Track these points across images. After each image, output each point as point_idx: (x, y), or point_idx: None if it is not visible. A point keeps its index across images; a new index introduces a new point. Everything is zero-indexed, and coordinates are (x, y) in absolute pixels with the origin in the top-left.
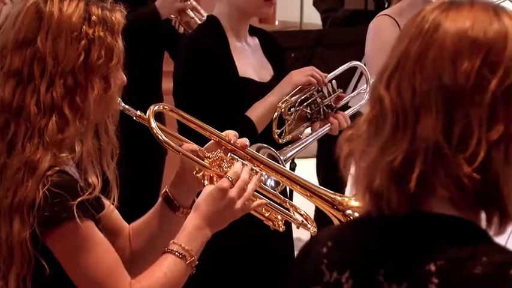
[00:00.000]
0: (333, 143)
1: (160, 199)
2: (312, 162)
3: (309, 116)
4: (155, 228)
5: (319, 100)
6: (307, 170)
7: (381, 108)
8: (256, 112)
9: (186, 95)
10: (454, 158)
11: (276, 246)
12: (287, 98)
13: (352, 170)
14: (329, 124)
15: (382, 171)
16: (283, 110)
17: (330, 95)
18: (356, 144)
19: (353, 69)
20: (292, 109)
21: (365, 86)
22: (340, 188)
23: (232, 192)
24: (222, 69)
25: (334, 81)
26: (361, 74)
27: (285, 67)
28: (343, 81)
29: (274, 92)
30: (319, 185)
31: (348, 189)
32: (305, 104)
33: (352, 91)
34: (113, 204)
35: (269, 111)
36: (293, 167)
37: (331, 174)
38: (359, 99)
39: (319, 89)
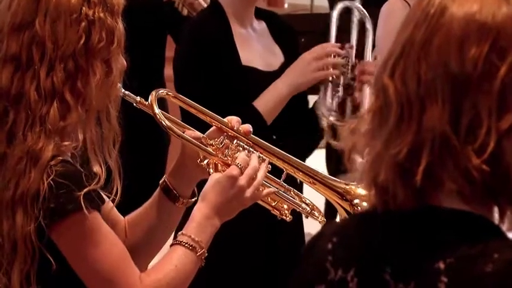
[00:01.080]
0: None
1: (158, 189)
2: (322, 153)
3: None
4: (153, 220)
5: (344, 81)
6: (316, 161)
7: (385, 98)
8: (265, 102)
9: (188, 84)
10: (462, 150)
11: (285, 239)
12: None
13: (358, 163)
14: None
15: (387, 164)
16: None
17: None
18: (360, 137)
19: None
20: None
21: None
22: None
23: (242, 180)
24: (224, 58)
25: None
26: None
27: (298, 51)
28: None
29: (286, 82)
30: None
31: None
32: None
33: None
34: (115, 196)
35: (279, 103)
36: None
37: (341, 166)
38: None
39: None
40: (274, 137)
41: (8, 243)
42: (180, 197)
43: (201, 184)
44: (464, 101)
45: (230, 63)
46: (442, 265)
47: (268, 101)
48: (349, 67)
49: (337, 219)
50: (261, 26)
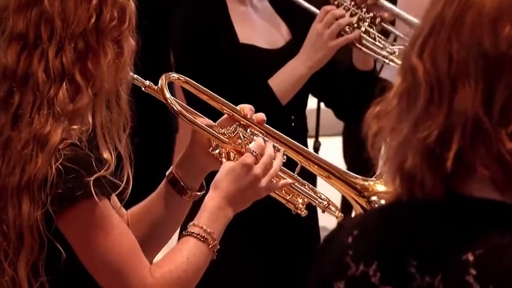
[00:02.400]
0: (361, 119)
1: (164, 181)
2: (338, 141)
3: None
4: (158, 214)
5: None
6: (332, 149)
7: (413, 79)
8: (279, 81)
9: (186, 65)
10: (496, 133)
11: (298, 234)
12: None
13: (383, 150)
14: None
15: (414, 149)
16: None
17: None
18: (385, 121)
19: None
20: None
21: None
22: (369, 171)
23: (257, 169)
24: (220, 36)
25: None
26: None
27: (307, 27)
28: None
29: (302, 59)
30: (346, 166)
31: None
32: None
33: None
34: (126, 185)
35: (296, 83)
36: (317, 146)
37: (359, 155)
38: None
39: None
40: (293, 117)
41: (13, 232)
42: (188, 189)
43: (209, 177)
44: (498, 82)
45: (227, 40)
46: (470, 257)
47: (283, 80)
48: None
49: (353, 216)
50: (262, 3)
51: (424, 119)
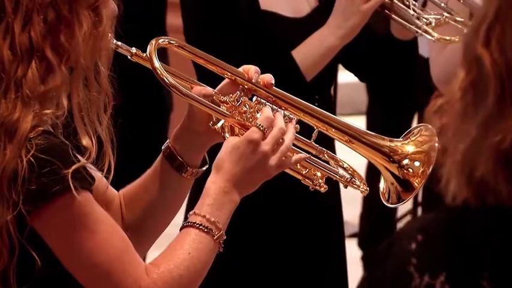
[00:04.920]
0: (387, 96)
1: (160, 156)
2: (357, 120)
3: None
4: (154, 194)
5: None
6: None
7: (479, 71)
8: (304, 53)
9: (201, 35)
10: None
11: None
12: None
13: None
14: None
15: (486, 155)
16: None
17: None
18: (449, 118)
19: None
20: None
21: None
22: None
23: (266, 145)
24: (240, 1)
25: None
26: None
27: None
28: None
29: (332, 28)
30: None
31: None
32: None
33: None
34: (107, 173)
35: (325, 56)
36: None
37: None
38: None
39: None
40: (317, 96)
41: None
42: (188, 166)
43: (214, 149)
44: None
45: (246, 6)
46: None
47: (310, 52)
48: None
49: (381, 186)
50: None
51: (495, 120)
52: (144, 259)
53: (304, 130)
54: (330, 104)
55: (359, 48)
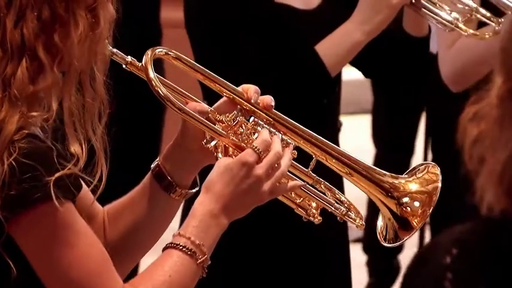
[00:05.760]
0: (393, 93)
1: (149, 175)
2: (362, 120)
3: None
4: (140, 213)
5: None
6: (356, 130)
7: None
8: (328, 48)
9: (207, 32)
10: None
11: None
12: None
13: None
14: None
15: None
16: None
17: None
18: (486, 125)
19: None
20: None
21: None
22: (406, 157)
23: (260, 169)
24: None
25: None
26: None
27: None
28: None
29: (357, 23)
30: (377, 151)
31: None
32: None
33: None
34: (98, 183)
35: (350, 51)
36: (338, 127)
37: (392, 137)
38: None
39: None
40: (325, 101)
41: None
42: (177, 186)
43: (205, 171)
44: None
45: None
46: None
47: (334, 47)
48: None
49: (379, 225)
50: None
51: None
52: (137, 266)
53: (304, 158)
54: (337, 104)
55: (369, 44)
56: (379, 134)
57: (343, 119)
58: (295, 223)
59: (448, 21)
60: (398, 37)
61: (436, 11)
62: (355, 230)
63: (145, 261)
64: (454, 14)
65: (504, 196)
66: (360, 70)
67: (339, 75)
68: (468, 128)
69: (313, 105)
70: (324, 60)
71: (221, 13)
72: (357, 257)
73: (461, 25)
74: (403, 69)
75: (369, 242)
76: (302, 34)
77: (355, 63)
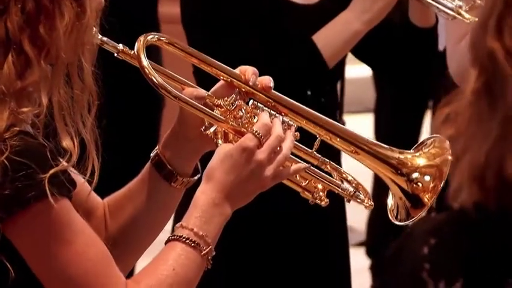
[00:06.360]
0: (397, 91)
1: (148, 164)
2: (365, 118)
3: None
4: (140, 204)
5: None
6: (360, 129)
7: (493, 67)
8: (326, 38)
9: (211, 25)
10: None
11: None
12: None
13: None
14: None
15: (509, 155)
16: None
17: None
18: (462, 123)
19: None
20: None
21: None
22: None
23: (261, 154)
24: None
25: None
26: None
27: None
28: None
29: (356, 12)
30: None
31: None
32: None
33: None
34: (90, 178)
35: (348, 42)
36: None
37: (396, 136)
38: None
39: None
40: (309, 92)
41: None
42: (178, 175)
43: (207, 157)
44: None
45: None
46: None
47: (332, 37)
48: None
49: (389, 202)
50: None
51: None
52: (132, 269)
53: (307, 138)
54: (335, 100)
55: (373, 35)
56: (382, 133)
57: (345, 118)
58: (295, 226)
59: (450, 9)
60: (405, 28)
61: None
62: (357, 234)
63: (140, 265)
64: (457, 1)
65: (480, 189)
66: (365, 62)
67: (341, 72)
68: (441, 130)
69: (310, 104)
70: (322, 51)
71: (219, 7)
72: (360, 261)
73: (463, 13)
74: (409, 61)
75: (372, 246)
76: (300, 29)
77: (361, 55)
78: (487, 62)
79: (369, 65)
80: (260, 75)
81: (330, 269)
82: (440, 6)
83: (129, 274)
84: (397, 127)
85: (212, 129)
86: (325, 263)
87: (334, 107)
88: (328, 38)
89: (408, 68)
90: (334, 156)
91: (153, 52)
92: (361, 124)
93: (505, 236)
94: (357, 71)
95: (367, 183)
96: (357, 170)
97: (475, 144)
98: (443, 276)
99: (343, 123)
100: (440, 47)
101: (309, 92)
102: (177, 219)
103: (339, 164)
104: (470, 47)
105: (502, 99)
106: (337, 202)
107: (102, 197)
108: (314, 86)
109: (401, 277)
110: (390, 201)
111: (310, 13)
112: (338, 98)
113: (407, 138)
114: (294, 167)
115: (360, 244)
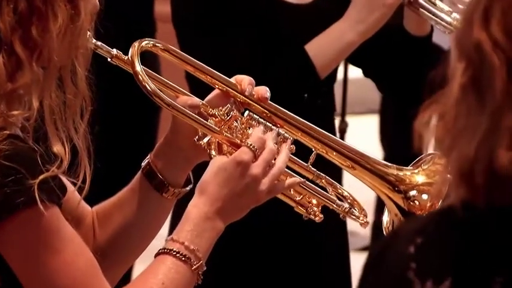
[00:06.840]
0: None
1: (139, 174)
2: (369, 120)
3: None
4: (130, 214)
5: None
6: (362, 131)
7: (480, 59)
8: (319, 48)
9: (202, 25)
10: None
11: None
12: None
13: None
14: None
15: (500, 147)
16: None
17: None
18: (449, 121)
19: None
20: None
21: None
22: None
23: (256, 168)
24: None
25: None
26: None
27: None
28: None
29: (353, 23)
30: (384, 153)
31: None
32: None
33: None
34: (82, 184)
35: (342, 52)
36: (343, 127)
37: (401, 138)
38: None
39: None
40: (306, 95)
41: None
42: (170, 185)
43: (199, 168)
44: None
45: None
46: None
47: (325, 47)
48: None
49: (385, 220)
50: None
51: (508, 105)
52: (130, 273)
53: (304, 151)
54: (332, 102)
55: (369, 42)
56: (387, 136)
57: (349, 119)
58: (293, 233)
59: (447, 23)
60: (399, 37)
61: (435, 11)
62: (361, 239)
63: (138, 268)
64: (455, 15)
65: (468, 186)
66: (360, 69)
67: (339, 73)
68: (424, 132)
69: (306, 106)
70: (314, 60)
71: (210, 7)
72: None
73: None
74: (404, 70)
75: None
76: (293, 29)
77: (355, 62)
78: (474, 54)
79: (363, 72)
80: (251, 76)
81: (328, 275)
82: (438, 20)
83: (127, 279)
84: (401, 131)
85: (206, 140)
86: (323, 268)
87: (331, 109)
88: (321, 48)
89: (403, 76)
90: (335, 170)
91: (150, 57)
92: (364, 126)
93: (492, 234)
94: (360, 72)
95: (370, 194)
96: (358, 182)
97: (463, 141)
98: (431, 275)
99: (346, 125)
100: (444, 45)
101: (305, 95)
102: (173, 229)
103: (341, 178)
104: (455, 42)
105: (491, 91)
106: None
107: (93, 205)
108: (309, 90)
109: (386, 277)
110: (386, 218)
111: (304, 13)
112: (335, 99)
113: (413, 141)
114: (289, 181)
115: (364, 249)
